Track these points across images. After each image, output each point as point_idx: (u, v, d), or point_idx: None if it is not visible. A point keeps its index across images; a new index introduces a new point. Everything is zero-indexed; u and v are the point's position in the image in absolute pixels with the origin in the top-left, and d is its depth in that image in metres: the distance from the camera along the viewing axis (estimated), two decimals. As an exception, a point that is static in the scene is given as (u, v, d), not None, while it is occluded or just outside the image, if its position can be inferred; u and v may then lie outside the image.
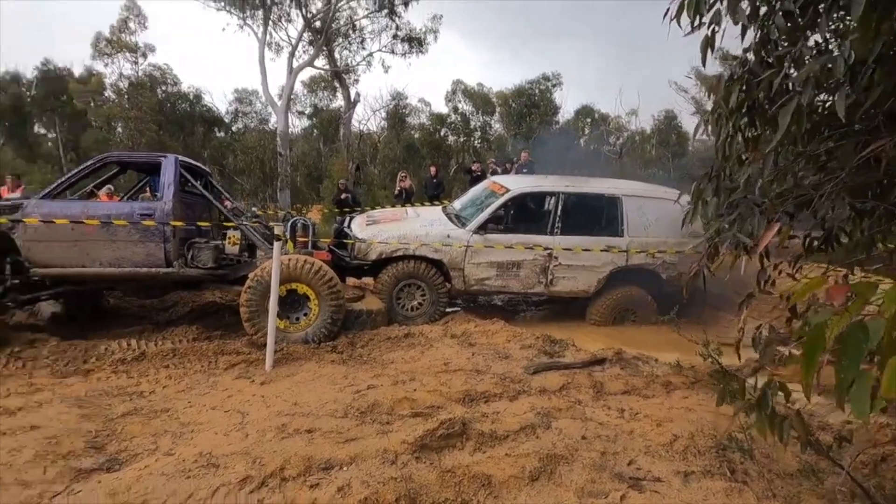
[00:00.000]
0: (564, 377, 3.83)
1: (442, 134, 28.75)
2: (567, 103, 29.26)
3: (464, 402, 3.36)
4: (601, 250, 5.63)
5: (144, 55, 22.68)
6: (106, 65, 22.44)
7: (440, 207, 6.78)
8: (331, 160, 21.38)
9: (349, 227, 5.88)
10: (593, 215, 5.80)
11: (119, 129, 22.92)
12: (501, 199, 5.69)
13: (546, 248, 5.58)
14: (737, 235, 1.63)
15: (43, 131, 26.49)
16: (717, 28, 1.40)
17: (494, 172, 10.88)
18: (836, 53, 1.12)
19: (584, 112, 30.74)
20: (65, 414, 3.04)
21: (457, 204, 6.60)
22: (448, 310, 5.75)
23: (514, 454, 2.70)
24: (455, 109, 28.73)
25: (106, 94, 23.48)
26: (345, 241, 5.61)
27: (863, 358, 0.83)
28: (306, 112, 27.07)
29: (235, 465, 2.49)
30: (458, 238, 5.50)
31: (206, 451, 2.61)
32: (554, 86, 29.07)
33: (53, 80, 24.09)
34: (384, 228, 5.61)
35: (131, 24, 21.60)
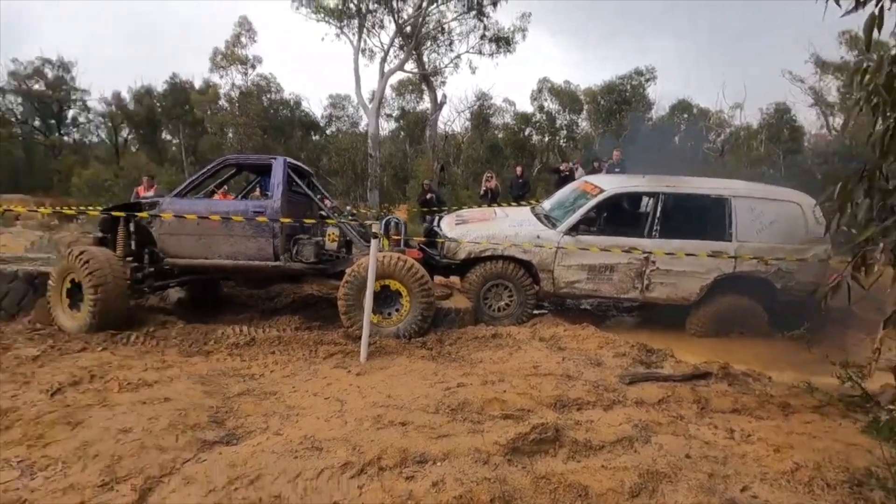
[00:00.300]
0: (663, 390, 3.60)
1: (526, 133, 28.38)
2: (661, 99, 27.45)
3: (555, 407, 3.28)
4: (706, 255, 5.22)
5: (253, 66, 24.83)
6: (221, 77, 24.87)
7: (529, 208, 6.67)
8: (416, 161, 21.95)
9: (439, 226, 5.95)
10: (697, 217, 5.39)
11: (230, 135, 25.33)
12: (595, 200, 5.47)
13: (643, 252, 5.29)
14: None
15: (169, 137, 29.95)
16: (887, 5, 1.22)
17: (571, 173, 10.56)
18: None
19: (681, 107, 28.74)
20: (191, 389, 3.40)
21: (546, 204, 6.46)
22: (535, 312, 5.64)
23: (612, 466, 2.58)
24: (541, 108, 28.19)
25: (220, 103, 26.03)
26: (435, 240, 5.70)
27: None
28: (394, 115, 28.05)
29: (337, 450, 2.63)
30: (548, 239, 5.38)
31: (310, 435, 2.79)
32: (647, 80, 27.52)
33: (179, 91, 27.14)
34: (473, 228, 5.61)
35: (243, 39, 23.73)
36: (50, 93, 28.94)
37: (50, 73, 28.58)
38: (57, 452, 2.58)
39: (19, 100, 28.99)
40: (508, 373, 3.82)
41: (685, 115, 29.52)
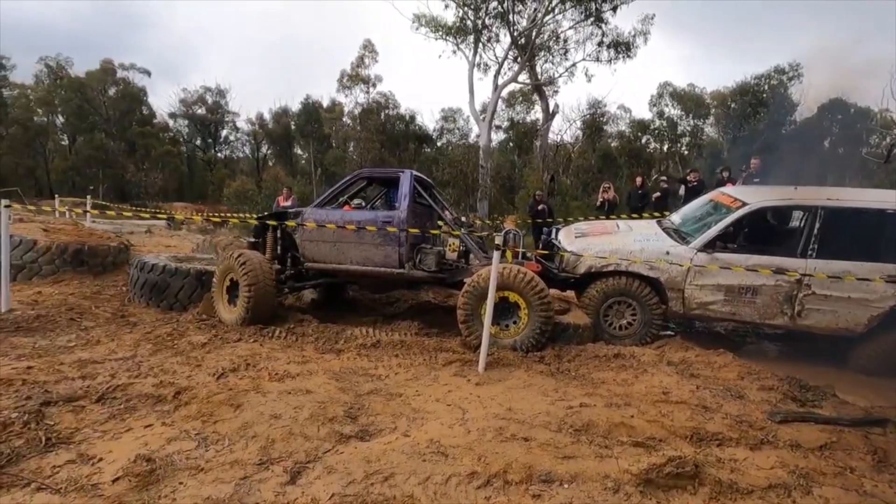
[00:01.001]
0: (825, 434, 3.14)
1: (643, 141, 26.80)
2: (808, 98, 24.20)
3: (691, 440, 3.02)
4: (881, 280, 4.49)
5: (374, 85, 26.73)
6: (346, 96, 27.15)
7: (655, 221, 6.23)
8: (524, 171, 21.83)
9: (556, 238, 5.79)
10: (866, 236, 4.65)
11: (351, 148, 27.47)
12: (737, 214, 4.95)
13: (796, 273, 4.69)
14: None
15: (300, 152, 33.33)
16: None
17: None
18: None
19: (834, 107, 25.18)
20: (327, 384, 3.70)
21: (676, 217, 5.98)
22: (660, 333, 5.26)
23: (765, 515, 2.31)
24: (660, 114, 26.52)
25: (344, 120, 28.39)
26: (552, 252, 5.58)
27: None
28: (503, 126, 28.29)
29: (462, 458, 2.68)
30: (679, 255, 4.97)
31: (436, 440, 2.87)
32: (790, 79, 24.53)
33: (310, 111, 30.10)
34: (595, 242, 5.38)
35: (366, 60, 25.66)
36: (209, 116, 33.85)
37: (210, 99, 33.44)
38: (224, 430, 2.96)
39: (186, 122, 34.30)
40: (635, 397, 3.60)
41: (839, 116, 25.80)
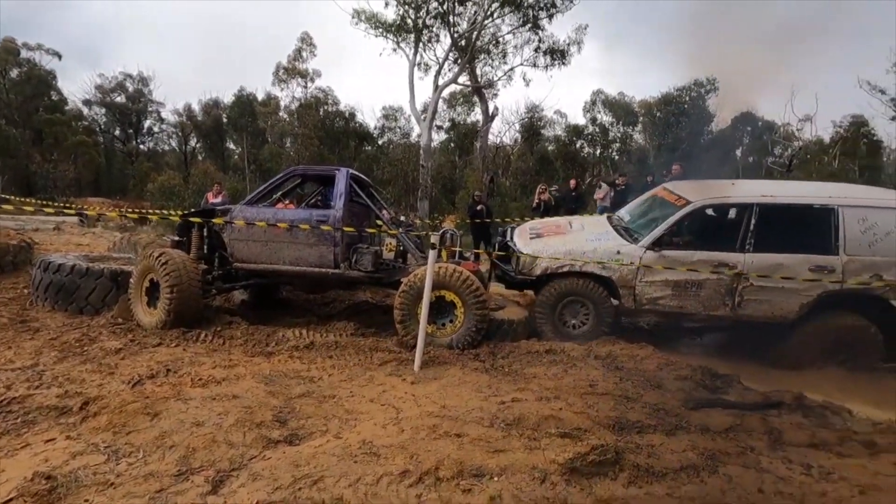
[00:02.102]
0: (731, 417, 3.42)
1: (577, 146, 27.95)
2: (723, 110, 26.34)
3: (614, 428, 3.19)
4: (808, 270, 4.83)
5: (312, 80, 26.01)
6: (282, 89, 26.22)
7: (605, 218, 6.33)
8: (465, 172, 22.12)
9: (511, 240, 5.79)
10: (798, 229, 4.97)
11: (288, 144, 26.56)
12: (681, 213, 5.14)
13: (734, 268, 4.96)
14: None
15: (232, 146, 31.75)
16: None
17: (628, 188, 10.24)
18: None
19: (744, 119, 27.50)
20: (256, 388, 3.56)
21: (625, 214, 6.12)
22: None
23: (676, 495, 2.49)
24: (593, 120, 27.78)
25: (280, 115, 27.39)
26: (508, 254, 5.56)
27: None
28: (444, 126, 28.50)
29: (394, 457, 2.67)
30: (629, 254, 5.13)
31: (369, 440, 2.85)
32: (707, 92, 26.55)
33: (243, 104, 28.77)
34: (550, 242, 5.43)
35: (304, 54, 24.91)
36: (129, 104, 31.43)
37: (131, 87, 31.06)
38: (138, 440, 2.77)
39: (103, 111, 31.64)
40: (564, 390, 3.75)
41: (748, 128, 28.20)
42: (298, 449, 2.78)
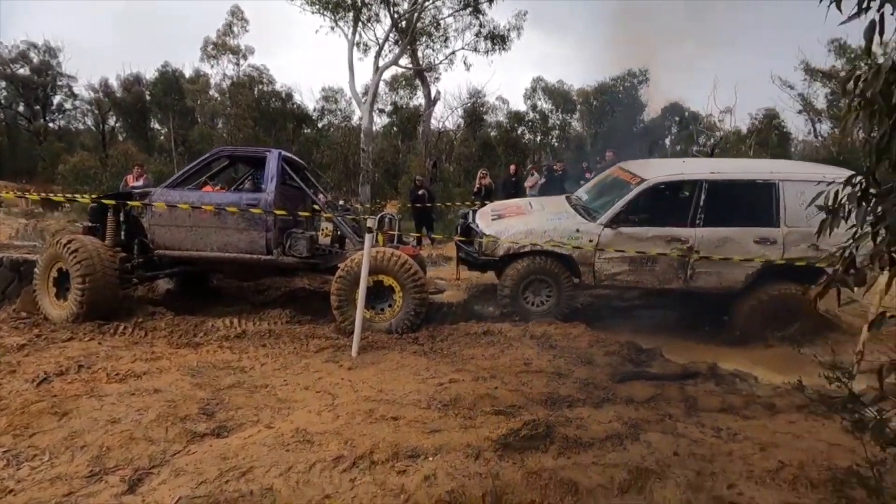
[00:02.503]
0: (653, 388, 3.66)
1: (519, 132, 28.39)
2: (653, 101, 27.68)
3: (546, 404, 3.31)
4: (753, 242, 5.12)
5: (245, 57, 24.60)
6: (212, 66, 24.61)
7: (564, 198, 6.42)
8: (408, 157, 21.89)
9: (474, 221, 5.79)
10: (742, 204, 5.23)
11: (220, 125, 25.06)
12: (636, 190, 5.28)
13: (686, 242, 5.19)
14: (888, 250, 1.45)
15: (158, 126, 29.49)
16: (888, 10, 1.24)
17: (565, 173, 10.61)
18: None
19: (672, 110, 28.97)
20: (181, 381, 3.38)
21: (583, 194, 6.26)
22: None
23: (601, 463, 2.62)
24: (534, 107, 28.26)
25: (211, 93, 25.74)
26: (471, 237, 5.56)
27: None
28: (386, 109, 27.96)
29: (328, 443, 2.63)
30: (588, 232, 5.25)
31: (302, 428, 2.78)
32: (640, 82, 27.71)
33: (169, 80, 26.72)
34: (511, 223, 5.48)
35: (235, 29, 23.47)
36: (35, 78, 28.32)
37: (35, 58, 27.95)
38: (44, 442, 2.55)
39: (2, 84, 28.32)
40: (500, 369, 3.84)
41: (676, 118, 29.76)
42: (227, 441, 2.68)
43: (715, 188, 5.23)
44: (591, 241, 5.24)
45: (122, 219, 4.87)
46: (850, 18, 1.33)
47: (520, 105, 28.30)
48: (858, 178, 1.64)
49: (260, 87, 25.27)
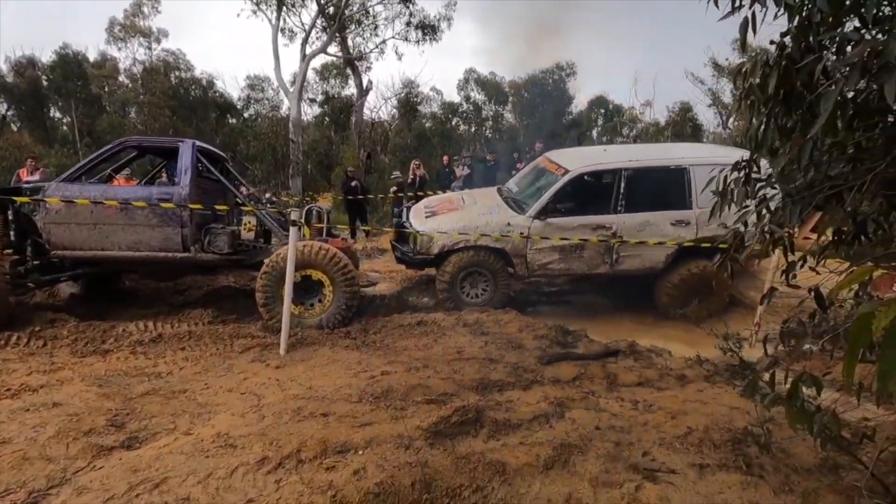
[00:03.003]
0: (577, 368, 3.83)
1: (453, 123, 28.57)
2: (581, 94, 28.85)
3: (477, 390, 3.38)
4: (670, 224, 5.41)
5: (158, 40, 22.83)
6: (120, 49, 22.63)
7: (495, 190, 6.56)
8: (342, 148, 21.36)
9: (408, 219, 5.84)
10: (659, 189, 5.51)
11: (133, 115, 23.11)
12: (561, 182, 5.49)
13: (610, 228, 5.44)
14: (770, 227, 1.60)
15: (59, 115, 26.70)
16: (759, 8, 1.35)
17: (497, 163, 10.87)
18: (889, 37, 1.08)
19: (598, 103, 30.31)
20: (85, 392, 3.10)
21: (513, 186, 6.42)
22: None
23: (528, 442, 2.71)
24: (467, 98, 28.51)
25: (120, 79, 23.66)
26: (406, 234, 5.61)
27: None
28: (318, 99, 27.05)
29: (252, 446, 2.53)
30: (518, 225, 5.42)
31: (224, 432, 2.65)
32: (568, 76, 28.71)
33: (70, 64, 24.22)
34: (444, 220, 5.56)
35: (145, 9, 21.67)
36: None
37: None
38: (-85, 472, 2.25)
39: None
40: (433, 359, 3.87)
41: (602, 111, 31.14)
42: (138, 453, 2.50)
43: (633, 175, 5.52)
44: (521, 233, 5.42)
45: (10, 217, 4.35)
46: (726, 16, 1.44)
47: (454, 96, 28.38)
48: (742, 163, 1.79)
49: (177, 73, 23.56)
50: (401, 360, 3.81)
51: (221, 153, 5.35)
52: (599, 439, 2.77)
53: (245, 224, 4.74)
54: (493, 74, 28.07)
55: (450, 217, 5.66)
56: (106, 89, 23.21)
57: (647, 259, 5.58)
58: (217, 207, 4.60)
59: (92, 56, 24.70)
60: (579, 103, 29.00)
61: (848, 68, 1.15)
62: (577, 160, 5.89)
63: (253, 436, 2.61)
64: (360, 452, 2.53)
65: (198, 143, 4.75)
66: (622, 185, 5.49)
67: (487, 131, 30.15)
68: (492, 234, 5.37)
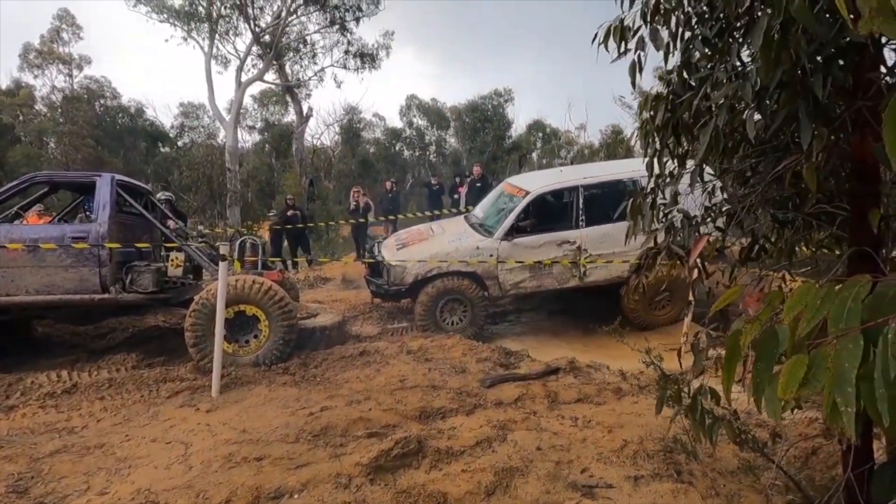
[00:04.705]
0: (520, 388, 3.87)
1: (397, 148, 28.82)
2: (519, 118, 30.02)
3: (420, 419, 3.34)
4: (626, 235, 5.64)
5: (80, 67, 21.64)
6: (36, 76, 21.24)
7: (463, 218, 6.76)
8: (283, 175, 20.92)
9: (380, 253, 5.90)
10: (615, 201, 5.74)
11: (52, 145, 21.60)
12: (523, 203, 5.69)
13: (574, 242, 5.61)
14: (671, 247, 1.72)
15: (-36, 147, 24.48)
16: (642, 53, 1.50)
17: (442, 188, 11.09)
18: (745, 81, 1.22)
19: (536, 126, 31.60)
20: (-18, 457, 2.79)
21: (479, 212, 6.61)
22: (396, 325, 5.78)
23: (470, 469, 2.69)
24: (410, 124, 28.92)
25: (36, 108, 22.13)
26: (379, 268, 5.65)
27: (774, 361, 0.89)
28: (257, 126, 26.51)
29: (177, 500, 2.36)
30: (487, 248, 5.57)
31: (145, 488, 2.47)
32: (506, 101, 29.80)
33: (-23, 92, 22.47)
34: (415, 250, 5.65)
35: (64, 35, 20.55)
36: None
37: None
38: None
39: None
40: (375, 390, 3.79)
41: (540, 134, 32.45)
42: (43, 521, 2.26)
43: (590, 191, 5.81)
44: (491, 255, 5.58)
45: None
46: (616, 59, 1.57)
47: (396, 122, 28.72)
48: (649, 189, 1.92)
49: (102, 101, 22.37)
50: (342, 394, 3.70)
51: (145, 186, 5.09)
52: (540, 459, 2.80)
53: (172, 260, 4.49)
54: (435, 100, 28.68)
55: (420, 247, 5.80)
56: (20, 119, 21.59)
57: (613, 269, 5.81)
58: (137, 245, 4.32)
59: (3, 83, 23.03)
60: (518, 127, 30.06)
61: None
62: (536, 182, 6.18)
63: (178, 489, 2.44)
64: (296, 497, 2.42)
65: (118, 176, 4.49)
66: (581, 200, 5.76)
67: (431, 156, 30.60)
68: (461, 259, 5.50)
